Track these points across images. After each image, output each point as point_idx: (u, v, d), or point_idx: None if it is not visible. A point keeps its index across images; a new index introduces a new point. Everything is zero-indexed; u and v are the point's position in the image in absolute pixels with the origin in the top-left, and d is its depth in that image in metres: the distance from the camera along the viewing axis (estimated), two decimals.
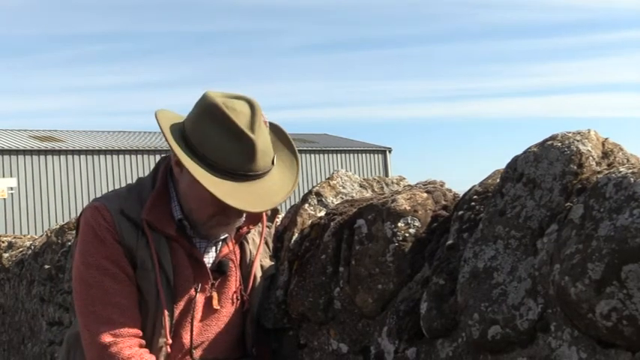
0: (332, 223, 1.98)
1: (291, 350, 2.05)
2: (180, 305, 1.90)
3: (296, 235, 2.14)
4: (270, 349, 2.10)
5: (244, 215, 1.96)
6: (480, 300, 1.43)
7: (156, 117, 1.85)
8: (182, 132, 1.84)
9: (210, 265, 1.96)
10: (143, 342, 1.83)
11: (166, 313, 1.85)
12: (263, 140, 1.80)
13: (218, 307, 1.96)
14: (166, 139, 1.81)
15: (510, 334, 1.37)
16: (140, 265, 1.85)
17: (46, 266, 4.66)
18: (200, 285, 1.92)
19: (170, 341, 1.86)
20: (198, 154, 1.78)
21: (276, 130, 1.96)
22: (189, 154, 1.78)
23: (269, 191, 1.81)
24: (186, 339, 1.92)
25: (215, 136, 1.78)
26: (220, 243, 1.99)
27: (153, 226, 1.86)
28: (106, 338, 1.78)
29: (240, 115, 1.78)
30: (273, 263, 2.12)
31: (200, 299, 1.93)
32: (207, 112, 1.80)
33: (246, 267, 2.03)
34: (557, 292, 1.27)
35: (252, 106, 1.81)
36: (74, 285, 1.89)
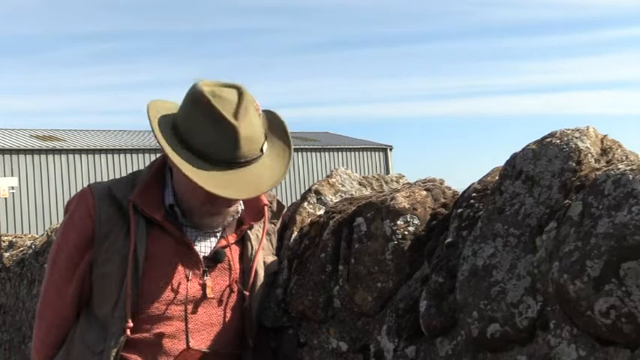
0: (331, 222, 1.98)
1: (290, 349, 2.05)
2: (164, 290, 1.90)
3: (295, 233, 2.14)
4: (270, 347, 2.10)
5: (238, 206, 1.97)
6: (479, 298, 1.43)
7: (147, 109, 1.87)
8: (174, 122, 1.86)
9: (205, 254, 1.96)
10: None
11: (129, 295, 1.84)
12: (248, 127, 1.79)
13: (212, 296, 1.94)
14: (153, 131, 1.83)
15: (509, 332, 1.37)
16: (107, 248, 1.89)
17: (47, 265, 4.66)
18: (189, 271, 1.92)
19: (131, 324, 1.85)
20: (186, 144, 1.80)
21: (272, 118, 1.94)
22: (177, 144, 1.80)
23: (256, 178, 1.81)
24: (178, 326, 1.90)
25: (200, 124, 1.79)
26: (218, 235, 1.99)
27: (139, 208, 1.89)
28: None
29: (225, 103, 1.78)
30: (275, 259, 2.11)
31: (192, 286, 1.92)
32: (193, 100, 1.81)
33: (247, 262, 2.01)
34: (556, 290, 1.27)
35: (240, 93, 1.81)
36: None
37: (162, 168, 1.99)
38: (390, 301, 1.74)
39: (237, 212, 2.01)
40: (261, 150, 1.84)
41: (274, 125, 1.94)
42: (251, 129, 1.80)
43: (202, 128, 1.79)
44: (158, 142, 1.81)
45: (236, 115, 1.77)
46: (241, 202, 2.01)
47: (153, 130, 1.82)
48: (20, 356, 5.24)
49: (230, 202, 1.89)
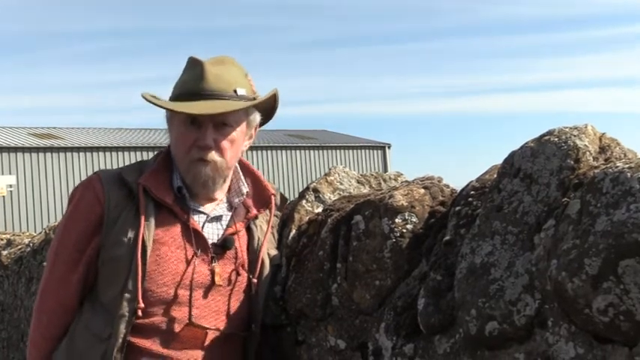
0: (329, 220, 1.97)
1: (289, 347, 2.05)
2: (172, 275, 1.89)
3: (293, 231, 2.14)
4: (269, 345, 2.10)
5: (242, 186, 2.04)
6: (477, 296, 1.43)
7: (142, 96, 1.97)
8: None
9: (213, 241, 1.96)
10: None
11: (139, 278, 1.84)
12: (220, 68, 1.93)
13: (220, 284, 1.93)
14: (147, 100, 1.93)
15: (507, 329, 1.37)
16: (116, 232, 1.89)
17: (45, 263, 4.65)
18: (198, 257, 1.91)
19: (142, 305, 1.84)
20: (171, 99, 1.95)
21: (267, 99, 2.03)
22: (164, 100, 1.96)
23: (222, 104, 1.89)
24: (186, 311, 1.89)
25: (182, 73, 1.98)
26: (225, 223, 2.00)
27: (149, 191, 1.90)
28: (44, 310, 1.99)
29: (208, 59, 1.94)
30: (278, 253, 2.11)
31: (201, 272, 1.92)
32: (185, 65, 1.99)
33: (253, 253, 2.02)
34: (554, 288, 1.27)
35: (229, 58, 1.99)
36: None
37: (168, 156, 2.01)
38: (388, 298, 1.74)
39: (242, 194, 2.04)
40: (235, 92, 1.92)
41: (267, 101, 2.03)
42: (222, 70, 1.93)
43: (182, 74, 1.97)
44: (156, 104, 1.93)
45: (209, 60, 1.94)
46: (245, 182, 2.06)
47: (148, 99, 1.94)
48: (19, 354, 5.24)
49: (207, 138, 1.90)
